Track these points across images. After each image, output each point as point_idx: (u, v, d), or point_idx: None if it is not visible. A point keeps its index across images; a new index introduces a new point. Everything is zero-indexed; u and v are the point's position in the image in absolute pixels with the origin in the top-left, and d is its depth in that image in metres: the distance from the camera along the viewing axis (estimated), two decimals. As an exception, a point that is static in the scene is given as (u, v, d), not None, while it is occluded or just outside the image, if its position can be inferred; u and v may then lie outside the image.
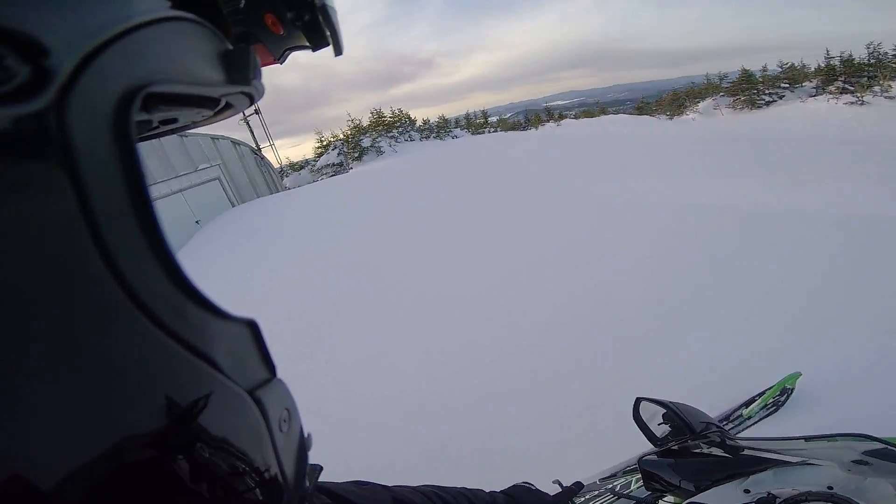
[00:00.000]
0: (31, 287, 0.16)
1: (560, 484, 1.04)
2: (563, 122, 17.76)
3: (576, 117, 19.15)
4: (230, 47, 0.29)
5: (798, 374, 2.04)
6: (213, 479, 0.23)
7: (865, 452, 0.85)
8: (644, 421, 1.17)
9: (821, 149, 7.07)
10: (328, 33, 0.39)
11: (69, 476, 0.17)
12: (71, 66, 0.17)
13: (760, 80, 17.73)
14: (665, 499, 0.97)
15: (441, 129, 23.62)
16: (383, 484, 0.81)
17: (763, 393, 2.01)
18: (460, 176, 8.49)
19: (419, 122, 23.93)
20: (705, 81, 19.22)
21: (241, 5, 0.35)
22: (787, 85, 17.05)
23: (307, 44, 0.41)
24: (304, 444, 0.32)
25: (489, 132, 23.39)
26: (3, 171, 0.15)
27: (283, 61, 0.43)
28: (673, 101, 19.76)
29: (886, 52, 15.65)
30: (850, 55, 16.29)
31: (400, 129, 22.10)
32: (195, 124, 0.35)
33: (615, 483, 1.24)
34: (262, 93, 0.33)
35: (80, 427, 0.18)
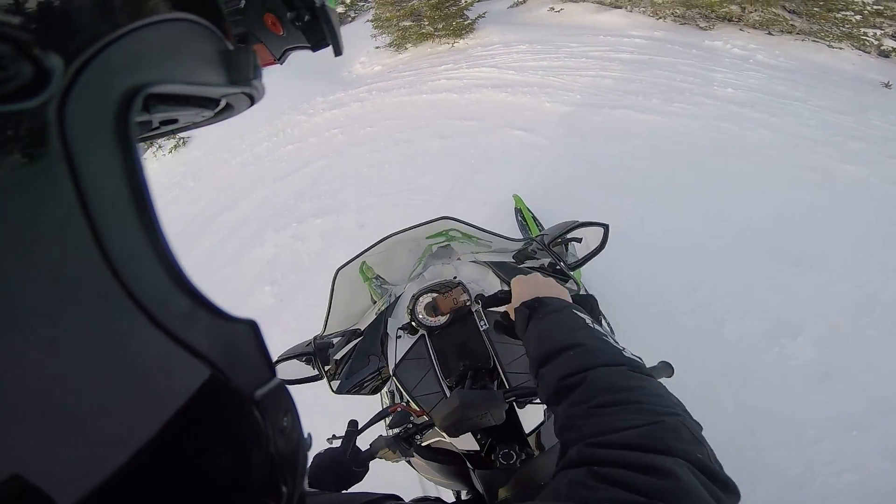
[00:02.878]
0: (30, 286, 0.16)
1: (334, 436, 1.07)
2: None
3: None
4: (230, 47, 0.29)
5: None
6: (211, 480, 0.23)
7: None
8: (289, 379, 1.35)
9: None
10: (328, 34, 0.39)
11: (66, 476, 0.17)
12: (72, 66, 0.17)
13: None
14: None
15: None
16: None
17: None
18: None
19: None
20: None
21: (242, 5, 0.35)
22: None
23: (307, 44, 0.41)
24: (303, 446, 0.31)
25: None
26: (3, 170, 0.15)
27: (283, 61, 0.43)
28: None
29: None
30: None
31: None
32: (195, 125, 0.35)
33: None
34: (262, 93, 0.33)
35: (78, 427, 0.17)
